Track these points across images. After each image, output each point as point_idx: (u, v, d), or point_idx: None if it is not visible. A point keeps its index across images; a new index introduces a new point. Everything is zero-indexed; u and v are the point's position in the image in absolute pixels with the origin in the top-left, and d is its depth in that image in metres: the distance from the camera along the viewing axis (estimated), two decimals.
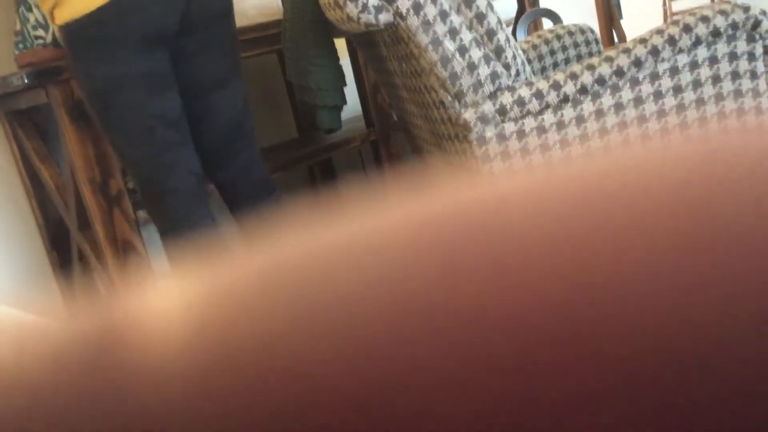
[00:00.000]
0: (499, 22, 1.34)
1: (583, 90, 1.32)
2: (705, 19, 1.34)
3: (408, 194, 0.15)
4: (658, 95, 1.35)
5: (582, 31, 1.99)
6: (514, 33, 2.62)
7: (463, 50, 1.30)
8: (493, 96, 1.32)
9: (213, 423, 0.11)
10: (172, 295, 0.14)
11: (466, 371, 0.10)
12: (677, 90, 1.35)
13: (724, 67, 1.35)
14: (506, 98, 1.32)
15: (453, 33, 1.30)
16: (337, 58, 1.80)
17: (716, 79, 1.35)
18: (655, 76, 1.34)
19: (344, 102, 1.82)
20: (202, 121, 1.48)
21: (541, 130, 1.33)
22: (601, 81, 1.33)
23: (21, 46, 1.68)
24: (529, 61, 1.92)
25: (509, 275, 0.11)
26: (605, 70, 1.33)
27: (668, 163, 0.13)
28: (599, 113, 1.33)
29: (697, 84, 1.35)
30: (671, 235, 0.11)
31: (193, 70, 1.44)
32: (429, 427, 0.10)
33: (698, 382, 0.09)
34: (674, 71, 1.34)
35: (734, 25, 1.34)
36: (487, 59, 1.31)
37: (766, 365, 0.09)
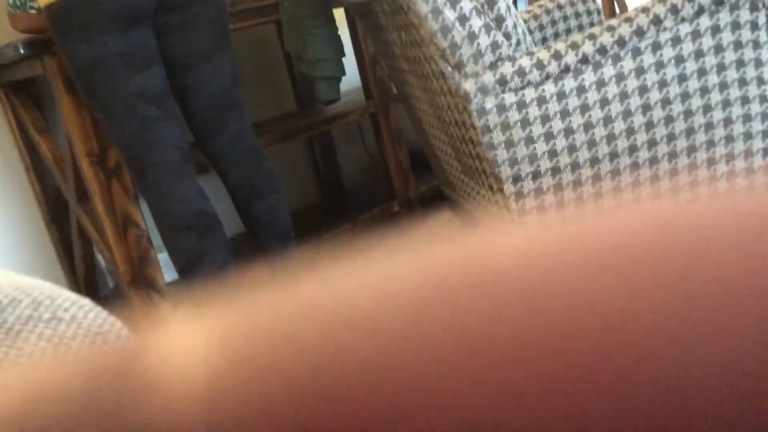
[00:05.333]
0: None
1: (584, 60, 1.31)
2: None
3: (430, 242, 0.15)
4: (659, 65, 1.33)
5: (583, 0, 1.97)
6: (515, 2, 2.59)
7: (463, 19, 1.29)
8: (493, 66, 1.31)
9: None
10: (195, 336, 0.14)
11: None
12: (679, 60, 1.34)
13: (727, 37, 1.34)
14: (506, 68, 1.30)
15: (453, 1, 1.28)
16: (336, 29, 1.78)
17: (719, 49, 1.34)
18: (656, 46, 1.33)
19: (343, 73, 1.81)
20: (189, 94, 1.51)
21: (542, 100, 1.32)
22: (602, 51, 1.31)
23: (11, 2, 1.67)
24: (530, 31, 1.91)
25: (520, 336, 0.11)
26: (607, 39, 1.31)
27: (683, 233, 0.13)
28: (600, 83, 1.32)
29: (699, 54, 1.34)
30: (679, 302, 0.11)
31: (179, 44, 1.47)
32: None
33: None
34: (676, 41, 1.33)
35: None
36: (487, 28, 1.30)
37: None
